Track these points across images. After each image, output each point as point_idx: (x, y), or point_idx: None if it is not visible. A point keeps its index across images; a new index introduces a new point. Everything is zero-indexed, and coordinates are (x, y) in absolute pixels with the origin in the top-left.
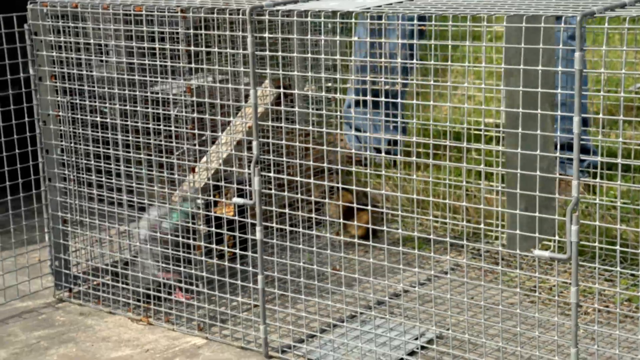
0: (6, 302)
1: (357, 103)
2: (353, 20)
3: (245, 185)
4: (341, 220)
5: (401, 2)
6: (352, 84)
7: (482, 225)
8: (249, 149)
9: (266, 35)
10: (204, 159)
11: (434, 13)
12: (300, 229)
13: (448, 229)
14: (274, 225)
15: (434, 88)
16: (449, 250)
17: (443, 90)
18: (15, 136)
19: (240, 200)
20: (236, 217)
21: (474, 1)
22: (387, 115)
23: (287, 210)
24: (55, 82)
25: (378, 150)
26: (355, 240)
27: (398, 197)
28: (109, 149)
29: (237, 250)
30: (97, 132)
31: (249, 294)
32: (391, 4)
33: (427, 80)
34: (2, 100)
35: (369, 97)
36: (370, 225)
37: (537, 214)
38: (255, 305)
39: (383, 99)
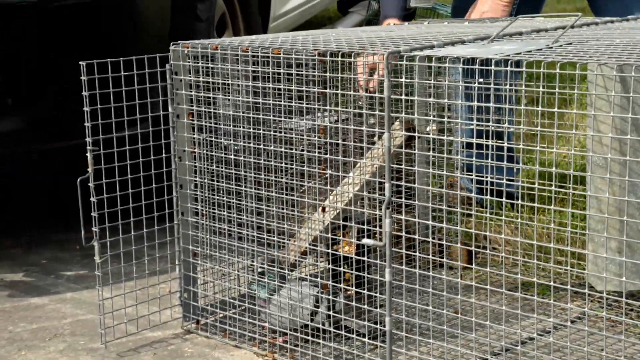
0: (138, 332)
1: (467, 146)
2: (492, 67)
3: (371, 226)
4: (459, 263)
5: (540, 49)
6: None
7: (624, 279)
8: (374, 189)
9: (403, 80)
10: (331, 198)
11: (578, 61)
12: (431, 273)
13: (587, 278)
14: (403, 267)
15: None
16: (587, 299)
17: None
18: (152, 171)
19: (370, 242)
20: (365, 258)
21: (615, 48)
22: (499, 157)
23: (417, 254)
24: (193, 120)
25: (497, 193)
26: (488, 287)
27: (553, 245)
28: (240, 185)
29: (365, 291)
30: (231, 169)
31: (373, 334)
32: (530, 51)
33: (547, 122)
34: (142, 137)
35: (506, 143)
36: (489, 269)
37: None
38: (382, 347)
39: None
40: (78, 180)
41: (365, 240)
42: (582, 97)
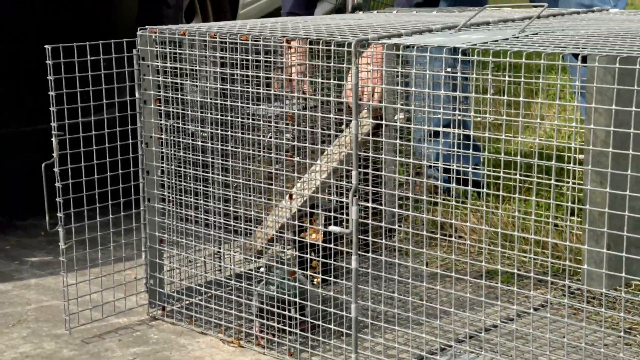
0: (103, 318)
1: (431, 134)
2: (459, 56)
3: (337, 214)
4: (425, 251)
5: (507, 39)
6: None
7: (585, 266)
8: (342, 177)
9: (371, 68)
10: (299, 185)
11: (544, 51)
12: (397, 260)
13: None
14: (369, 255)
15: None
16: (549, 287)
17: (525, 123)
18: (119, 157)
19: (337, 229)
20: (332, 245)
21: (580, 39)
22: (461, 145)
23: (384, 241)
24: (160, 106)
25: (463, 181)
26: (453, 274)
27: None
28: (207, 172)
29: (332, 279)
30: (198, 155)
31: (339, 321)
32: (497, 40)
33: (514, 112)
34: (108, 122)
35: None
36: (453, 257)
37: None
38: (348, 334)
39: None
40: (43, 165)
41: (331, 228)
42: (549, 87)
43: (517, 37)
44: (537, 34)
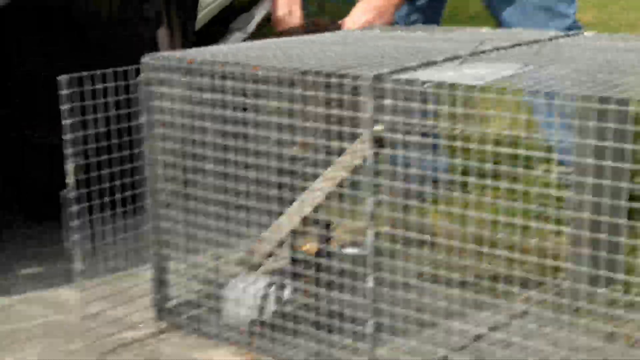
0: (114, 333)
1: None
2: (476, 93)
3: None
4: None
5: (512, 75)
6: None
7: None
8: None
9: (388, 101)
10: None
11: (544, 90)
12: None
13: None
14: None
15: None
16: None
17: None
18: (127, 179)
19: (354, 251)
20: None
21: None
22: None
23: (400, 263)
24: (164, 130)
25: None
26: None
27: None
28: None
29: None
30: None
31: (355, 335)
32: (510, 75)
33: None
34: (118, 147)
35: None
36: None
37: None
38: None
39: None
40: (60, 193)
41: (348, 250)
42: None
43: (526, 72)
44: (542, 67)
